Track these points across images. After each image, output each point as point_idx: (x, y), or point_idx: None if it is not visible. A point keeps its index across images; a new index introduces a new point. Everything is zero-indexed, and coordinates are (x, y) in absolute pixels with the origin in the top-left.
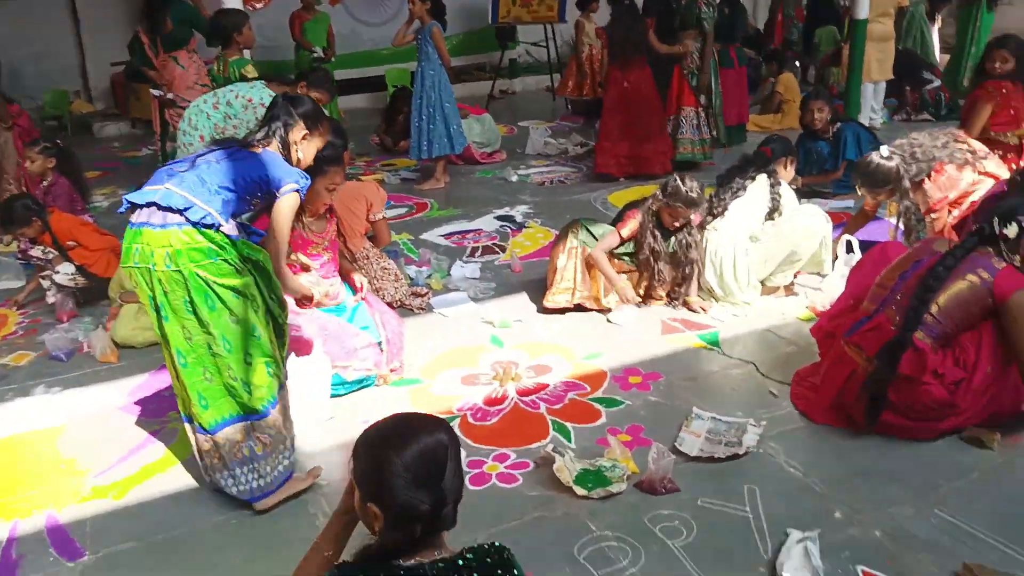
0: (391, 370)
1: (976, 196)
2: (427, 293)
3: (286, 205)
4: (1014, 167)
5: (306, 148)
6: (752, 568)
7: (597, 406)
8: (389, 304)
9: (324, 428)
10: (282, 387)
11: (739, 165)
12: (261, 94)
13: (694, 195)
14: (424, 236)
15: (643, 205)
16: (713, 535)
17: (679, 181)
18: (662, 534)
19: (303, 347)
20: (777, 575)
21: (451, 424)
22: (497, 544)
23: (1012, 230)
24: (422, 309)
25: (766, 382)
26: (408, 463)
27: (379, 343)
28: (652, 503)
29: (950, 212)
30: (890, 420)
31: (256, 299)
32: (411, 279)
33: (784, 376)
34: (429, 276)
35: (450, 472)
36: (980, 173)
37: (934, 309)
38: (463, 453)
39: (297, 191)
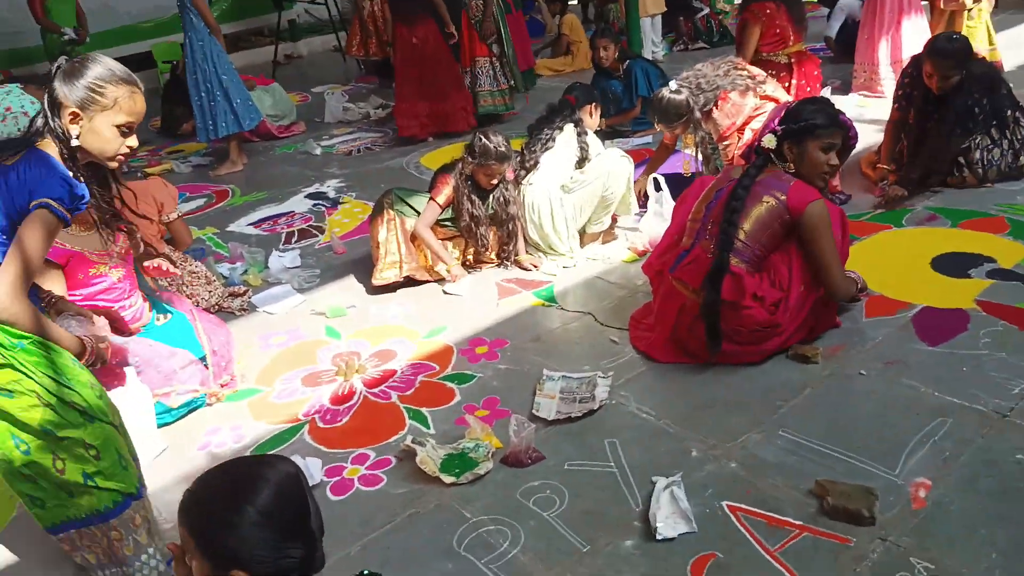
0: (222, 385)
1: (758, 122)
2: (246, 291)
3: (30, 232)
4: (787, 86)
5: (90, 128)
6: (627, 524)
7: (449, 385)
8: (207, 311)
9: (159, 464)
10: (129, 498)
11: (546, 116)
12: (21, 101)
13: (503, 149)
14: (231, 227)
15: (454, 170)
16: (585, 498)
17: (485, 139)
18: (536, 507)
19: (114, 379)
20: (652, 526)
21: (300, 431)
22: (367, 572)
23: (769, 140)
24: (244, 310)
25: (606, 330)
26: (267, 510)
27: (202, 358)
28: (521, 477)
29: (738, 138)
30: (720, 347)
31: (37, 392)
32: (225, 278)
33: (621, 321)
34: (245, 272)
35: (313, 505)
36: (761, 97)
37: (741, 235)
38: (319, 463)
39: (48, 208)
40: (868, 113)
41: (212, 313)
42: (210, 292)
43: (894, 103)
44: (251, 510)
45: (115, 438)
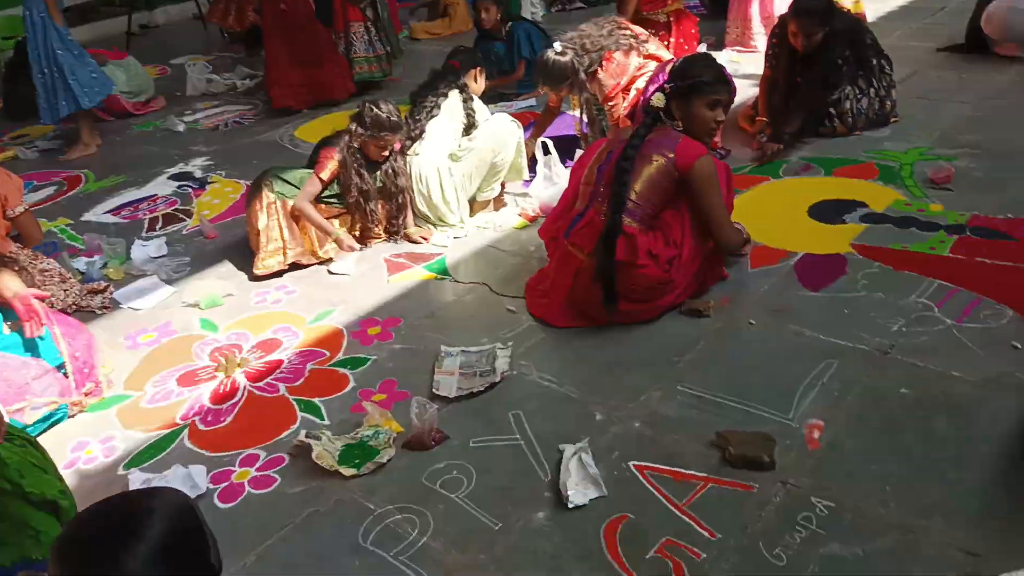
0: (85, 394)
1: (642, 81)
2: (107, 287)
3: None
4: (666, 44)
5: None
6: (538, 496)
7: (342, 371)
8: (63, 312)
9: None
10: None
11: (429, 82)
12: None
13: (396, 118)
14: (86, 217)
15: (340, 143)
16: (493, 474)
17: (376, 109)
18: (444, 490)
19: None
20: (563, 495)
21: (179, 437)
22: None
23: (658, 99)
24: (106, 308)
25: (501, 300)
26: (161, 546)
27: (60, 366)
28: (426, 460)
29: (623, 99)
30: (617, 307)
31: None
32: (82, 274)
33: (517, 290)
34: (105, 265)
35: (211, 537)
36: (644, 56)
37: (633, 195)
38: (204, 470)
39: None
40: (742, 68)
41: (69, 314)
42: (66, 291)
43: (766, 62)
44: (143, 548)
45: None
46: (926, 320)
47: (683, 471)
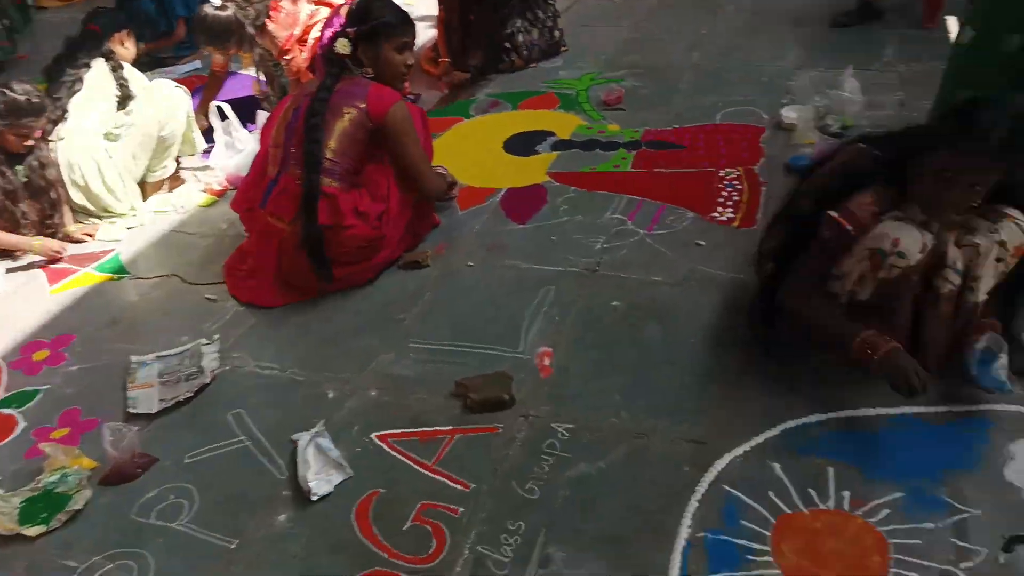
0: None
1: (318, 30)
2: None
3: None
4: None
5: None
6: (275, 498)
7: (6, 411)
8: None
9: None
10: None
11: (65, 53)
12: None
13: (37, 99)
14: None
15: None
16: (218, 488)
17: (10, 92)
18: (161, 520)
19: None
20: (304, 490)
21: None
22: None
23: (343, 45)
24: None
25: (198, 289)
26: None
27: None
28: (133, 492)
29: (301, 50)
30: (331, 274)
31: None
32: None
33: (215, 275)
34: None
35: None
36: (315, 3)
37: (329, 153)
38: None
39: None
40: (416, 10)
41: None
42: None
43: (439, 2)
44: None
45: None
46: (623, 234)
47: (428, 430)
